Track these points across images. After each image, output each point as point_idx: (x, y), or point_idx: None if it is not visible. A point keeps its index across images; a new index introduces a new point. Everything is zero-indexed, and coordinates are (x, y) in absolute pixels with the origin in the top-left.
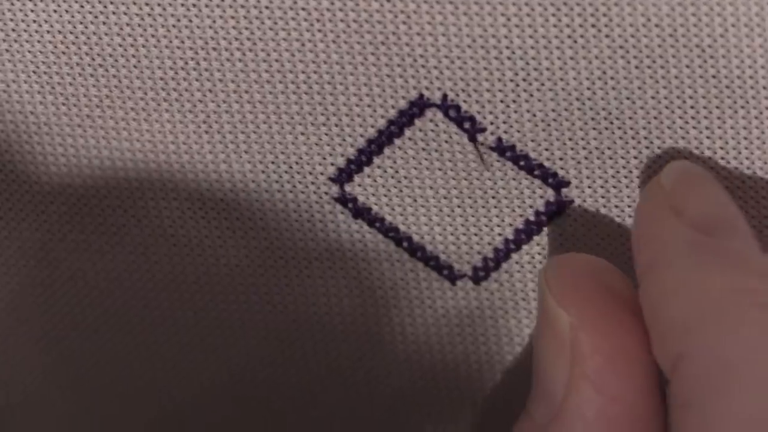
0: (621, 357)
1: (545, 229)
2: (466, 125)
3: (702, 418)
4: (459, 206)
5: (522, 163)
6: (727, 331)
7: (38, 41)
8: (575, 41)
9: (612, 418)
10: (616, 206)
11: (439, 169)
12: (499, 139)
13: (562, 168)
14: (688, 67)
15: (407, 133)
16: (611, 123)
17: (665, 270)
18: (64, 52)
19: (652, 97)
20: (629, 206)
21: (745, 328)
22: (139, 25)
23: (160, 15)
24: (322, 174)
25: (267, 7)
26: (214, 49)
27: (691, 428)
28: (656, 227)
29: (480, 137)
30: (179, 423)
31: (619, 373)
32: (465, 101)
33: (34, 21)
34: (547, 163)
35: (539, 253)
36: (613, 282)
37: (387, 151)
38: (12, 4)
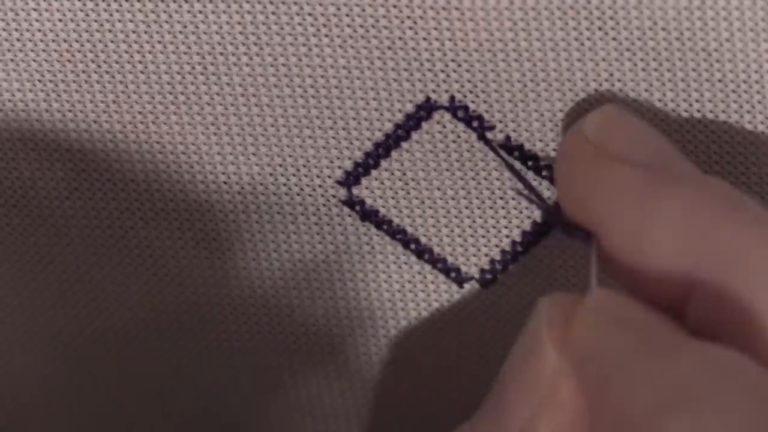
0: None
1: (553, 231)
2: (475, 124)
3: None
4: (466, 208)
5: (530, 163)
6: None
7: (44, 49)
8: (582, 44)
9: None
10: None
11: (447, 171)
12: (508, 138)
13: None
14: (694, 70)
15: (414, 136)
16: None
17: (624, 217)
18: (70, 60)
19: (659, 100)
20: None
21: None
22: (146, 32)
23: (167, 22)
24: (329, 177)
25: (274, 13)
26: (221, 54)
27: None
28: (593, 179)
29: (489, 135)
30: (183, 427)
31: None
32: (473, 101)
33: (40, 29)
34: (554, 163)
35: (547, 256)
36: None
37: (394, 154)
38: (17, 13)
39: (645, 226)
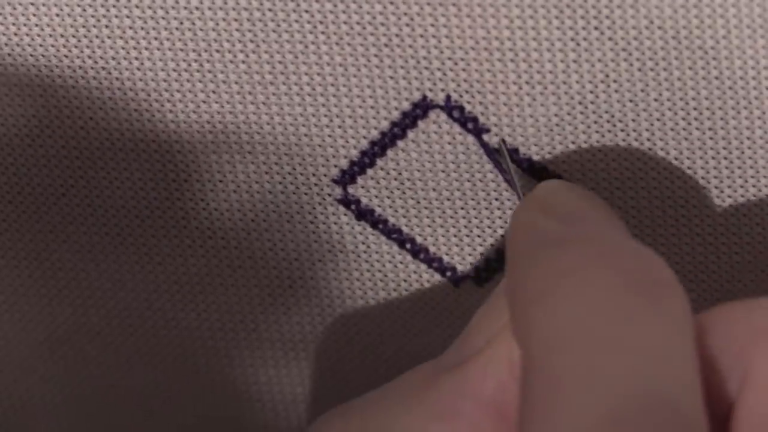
0: None
1: None
2: (470, 126)
3: (540, 373)
4: (462, 208)
5: (525, 165)
6: (573, 293)
7: (41, 44)
8: (578, 43)
9: (509, 395)
10: (619, 208)
11: (442, 171)
12: (503, 141)
13: (565, 171)
14: (690, 69)
15: (410, 134)
16: (614, 125)
17: (523, 257)
18: (66, 56)
19: (655, 100)
20: (633, 207)
21: (593, 288)
22: (142, 28)
23: (163, 18)
24: (325, 176)
25: (270, 9)
26: (217, 51)
27: (532, 386)
28: (520, 226)
29: (485, 137)
30: (181, 424)
31: None
32: (469, 102)
33: (37, 25)
34: (550, 166)
35: None
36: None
37: (390, 152)
38: (14, 8)
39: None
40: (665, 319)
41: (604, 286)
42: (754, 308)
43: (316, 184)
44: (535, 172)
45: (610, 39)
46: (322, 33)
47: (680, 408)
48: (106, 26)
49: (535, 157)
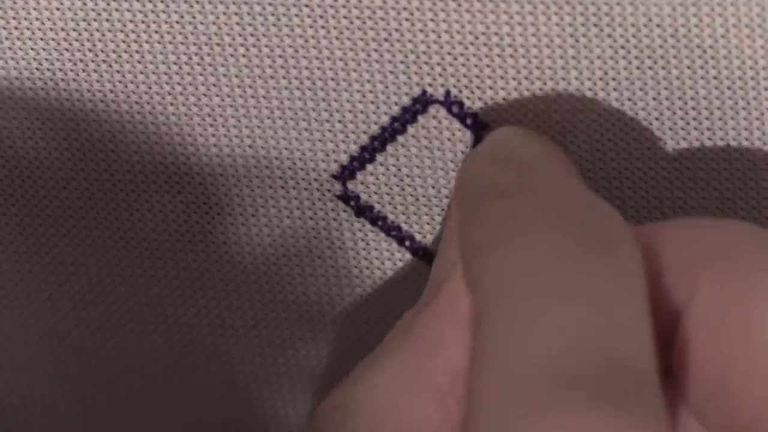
0: None
1: None
2: (469, 121)
3: (487, 320)
4: None
5: None
6: (521, 240)
7: (41, 38)
8: (577, 40)
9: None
10: (618, 207)
11: (442, 168)
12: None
13: None
14: (689, 67)
15: (410, 129)
16: (612, 124)
17: (471, 204)
18: (67, 49)
19: (654, 98)
20: (632, 206)
21: (541, 236)
22: (143, 21)
23: (163, 11)
24: (325, 171)
25: (270, 4)
26: (218, 44)
27: (480, 332)
28: (471, 173)
29: (484, 134)
30: (181, 422)
31: None
32: (468, 97)
33: (38, 18)
34: None
35: None
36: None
37: (390, 148)
38: (14, 2)
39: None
40: (615, 269)
41: (552, 236)
42: (703, 229)
43: (315, 180)
44: None
45: (609, 36)
46: (322, 27)
47: (630, 365)
48: (107, 20)
49: None
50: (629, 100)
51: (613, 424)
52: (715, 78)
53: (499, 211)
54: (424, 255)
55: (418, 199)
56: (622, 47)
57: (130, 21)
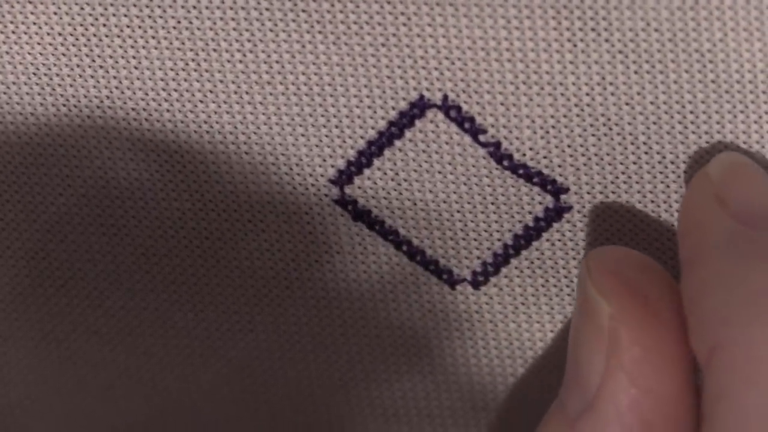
0: (658, 350)
1: (544, 235)
2: (467, 126)
3: (732, 409)
4: (459, 210)
5: (521, 171)
6: (761, 323)
7: (38, 43)
8: (575, 45)
9: (645, 410)
10: (616, 212)
11: (439, 172)
12: (498, 144)
13: (560, 174)
14: (687, 71)
15: (408, 134)
16: (610, 129)
17: (705, 261)
18: (64, 54)
19: (652, 102)
20: (628, 212)
21: None
22: (140, 27)
23: (160, 17)
24: (322, 176)
25: (267, 9)
26: (215, 50)
27: (722, 420)
28: (699, 217)
29: (481, 138)
30: (178, 424)
31: (655, 366)
32: (466, 102)
33: (35, 23)
34: (545, 170)
35: (538, 259)
36: (655, 275)
37: (387, 152)
38: (12, 6)
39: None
40: None
41: None
42: None
43: (312, 185)
44: (529, 177)
45: (606, 41)
46: (319, 32)
47: None
48: (104, 25)
49: (530, 163)
50: (627, 104)
51: None
52: (713, 82)
53: (739, 282)
54: (422, 259)
55: (415, 204)
56: (620, 51)
57: (127, 26)
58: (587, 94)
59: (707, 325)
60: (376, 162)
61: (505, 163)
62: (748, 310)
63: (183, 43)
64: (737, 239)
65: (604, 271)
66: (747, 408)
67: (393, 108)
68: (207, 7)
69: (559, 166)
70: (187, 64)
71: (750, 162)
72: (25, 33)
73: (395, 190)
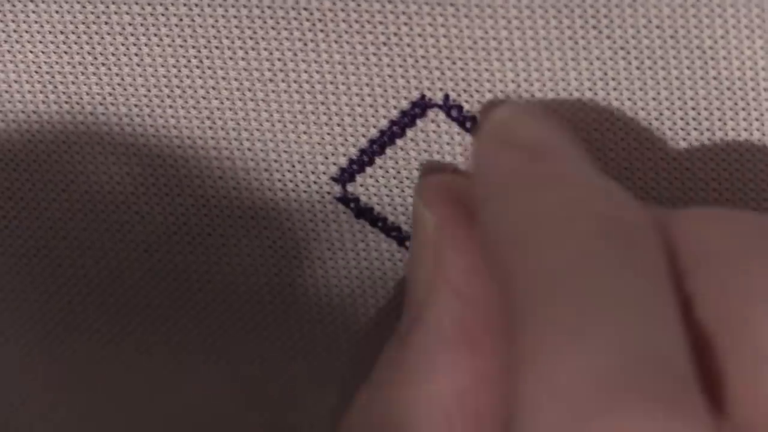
0: (481, 264)
1: None
2: (469, 125)
3: (528, 328)
4: None
5: None
6: (553, 243)
7: (40, 41)
8: (576, 42)
9: (469, 324)
10: None
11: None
12: None
13: None
14: (689, 69)
15: (409, 133)
16: (612, 125)
17: (495, 197)
18: (66, 52)
19: (653, 99)
20: None
21: (572, 239)
22: (142, 24)
23: (162, 15)
24: (324, 174)
25: (269, 7)
26: (217, 48)
27: (521, 339)
28: (486, 159)
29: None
30: (183, 424)
31: (479, 279)
32: (467, 101)
33: (36, 21)
34: None
35: None
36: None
37: (389, 151)
38: (14, 5)
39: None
40: (646, 268)
41: (581, 233)
42: (713, 221)
43: (315, 182)
44: None
45: (608, 38)
46: (321, 31)
47: (673, 365)
48: (106, 23)
49: None
50: (629, 100)
51: (665, 426)
52: (714, 79)
53: (526, 204)
54: None
55: None
56: (622, 48)
57: (129, 24)
58: (589, 90)
59: (500, 256)
60: (378, 160)
61: None
62: (539, 232)
63: (185, 41)
64: (522, 172)
65: (431, 184)
66: (540, 325)
67: (394, 107)
68: (209, 5)
69: None
70: (189, 62)
71: (529, 104)
72: (27, 31)
73: (397, 187)
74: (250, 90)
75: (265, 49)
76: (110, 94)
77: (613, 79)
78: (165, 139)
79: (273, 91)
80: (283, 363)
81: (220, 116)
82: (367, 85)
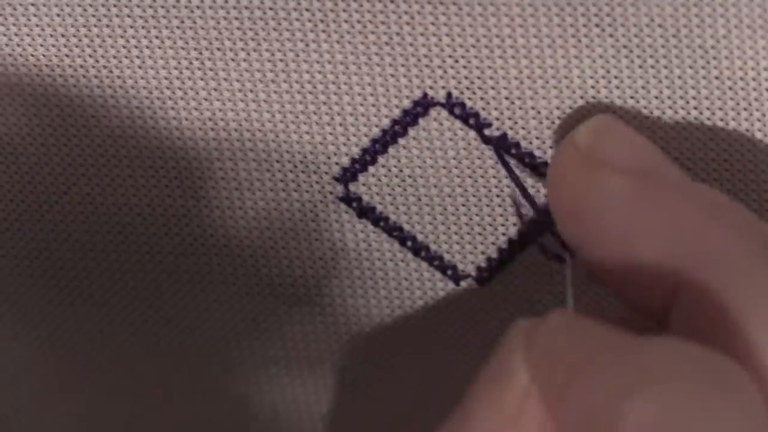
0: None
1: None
2: (471, 121)
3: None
4: (463, 206)
5: (527, 160)
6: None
7: (42, 44)
8: (579, 40)
9: None
10: None
11: (443, 168)
12: (504, 135)
13: None
14: (691, 67)
15: (411, 132)
16: None
17: (613, 222)
18: (68, 54)
19: (656, 97)
20: None
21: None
22: (143, 26)
23: (164, 17)
24: (326, 173)
25: (271, 8)
26: (218, 49)
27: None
28: (583, 186)
29: (486, 132)
30: (183, 422)
31: None
32: (470, 98)
33: (38, 25)
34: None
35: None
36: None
37: (391, 150)
38: (15, 8)
39: (632, 234)
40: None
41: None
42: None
43: (317, 182)
44: (536, 167)
45: (610, 36)
46: (323, 31)
47: None
48: (107, 25)
49: (537, 152)
50: (632, 98)
51: None
52: (716, 78)
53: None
54: (427, 255)
55: (420, 200)
56: (624, 47)
57: (131, 26)
58: (592, 87)
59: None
60: (381, 159)
61: (513, 151)
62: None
63: (187, 43)
64: (637, 191)
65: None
66: None
67: (397, 106)
68: (210, 6)
69: None
70: (191, 63)
71: (612, 119)
72: (28, 35)
73: (399, 186)
74: (251, 90)
75: (267, 50)
76: (112, 96)
77: (616, 77)
78: (167, 140)
79: (275, 92)
80: (282, 363)
81: (222, 117)
82: (369, 84)
